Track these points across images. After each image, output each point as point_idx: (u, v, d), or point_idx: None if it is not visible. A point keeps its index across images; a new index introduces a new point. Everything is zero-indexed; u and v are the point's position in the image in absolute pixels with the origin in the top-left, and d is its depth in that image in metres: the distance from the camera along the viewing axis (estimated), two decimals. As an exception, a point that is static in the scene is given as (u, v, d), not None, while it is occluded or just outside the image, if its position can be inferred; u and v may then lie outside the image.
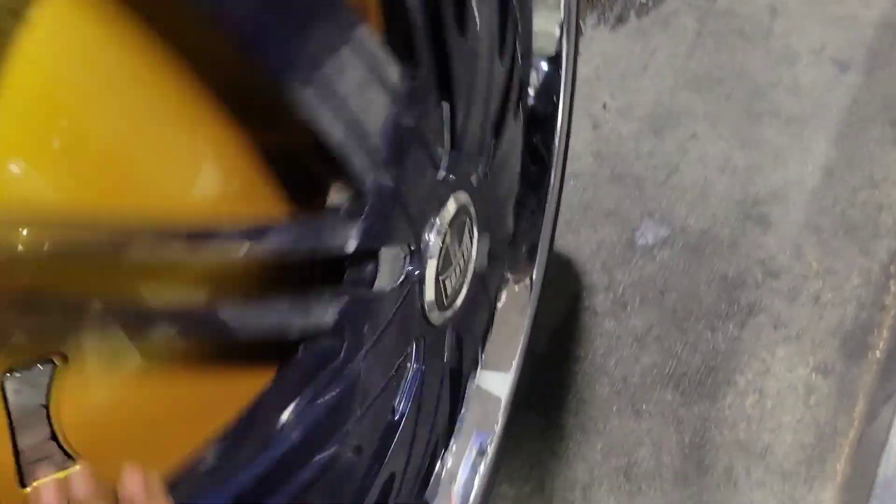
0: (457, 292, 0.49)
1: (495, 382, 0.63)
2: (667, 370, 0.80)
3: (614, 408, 0.79)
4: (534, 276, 0.67)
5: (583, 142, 0.97)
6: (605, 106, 1.01)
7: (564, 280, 0.87)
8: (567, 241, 0.90)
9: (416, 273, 0.43)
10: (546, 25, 0.64)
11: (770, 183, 0.91)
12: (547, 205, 0.67)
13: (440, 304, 0.46)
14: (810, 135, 0.94)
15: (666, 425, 0.78)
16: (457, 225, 0.46)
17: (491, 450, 0.65)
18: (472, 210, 0.48)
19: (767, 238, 0.87)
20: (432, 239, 0.43)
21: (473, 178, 0.49)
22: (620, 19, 1.08)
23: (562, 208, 0.75)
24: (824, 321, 0.80)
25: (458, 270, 0.47)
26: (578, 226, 0.91)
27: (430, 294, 0.45)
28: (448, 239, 0.45)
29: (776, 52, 1.01)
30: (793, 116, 0.96)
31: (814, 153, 0.92)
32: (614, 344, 0.82)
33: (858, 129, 0.93)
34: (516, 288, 0.66)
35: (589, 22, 1.07)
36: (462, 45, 0.44)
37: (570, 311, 0.85)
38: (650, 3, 1.08)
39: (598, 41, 1.06)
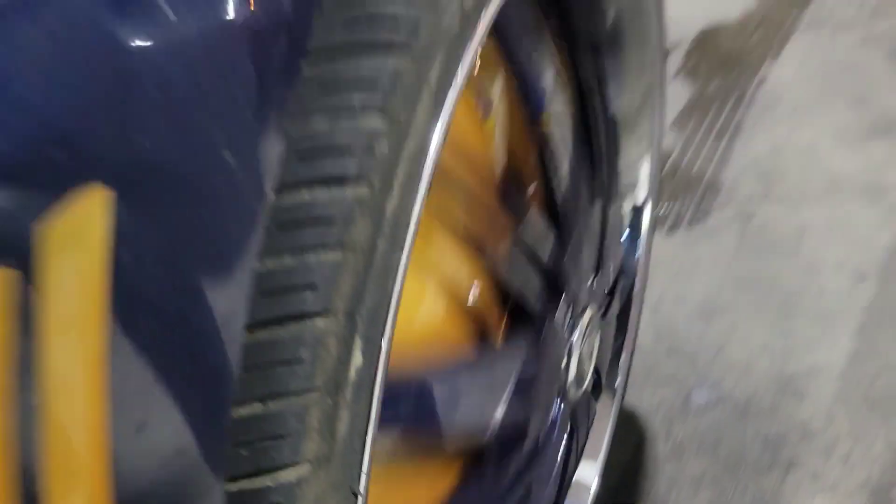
0: (582, 380, 0.67)
1: (586, 470, 0.79)
2: (720, 511, 0.94)
3: (674, 539, 0.92)
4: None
5: (644, 322, 1.17)
6: (661, 296, 1.22)
7: (630, 428, 1.03)
8: (631, 399, 1.07)
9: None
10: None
11: (804, 363, 1.09)
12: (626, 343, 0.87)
13: (578, 383, 0.64)
14: (836, 329, 1.13)
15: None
16: (588, 331, 0.65)
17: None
18: (595, 322, 0.67)
19: (803, 407, 1.03)
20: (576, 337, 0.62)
21: (595, 307, 0.68)
22: (673, 227, 1.32)
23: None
24: (854, 477, 0.94)
25: (585, 363, 0.66)
26: (641, 387, 1.08)
27: (572, 374, 0.62)
28: (583, 339, 0.63)
29: (804, 264, 1.23)
30: (820, 314, 1.15)
31: (840, 343, 1.11)
32: (674, 483, 0.96)
33: (876, 326, 1.12)
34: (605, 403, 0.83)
35: (648, 229, 1.32)
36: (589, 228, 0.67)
37: (636, 453, 1.00)
38: (698, 217, 1.33)
39: (655, 244, 1.29)
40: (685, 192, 1.40)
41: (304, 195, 0.32)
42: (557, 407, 0.69)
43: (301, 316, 0.32)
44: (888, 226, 1.26)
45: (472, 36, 0.39)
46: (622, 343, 0.88)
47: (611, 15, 0.68)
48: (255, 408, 0.32)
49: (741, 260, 1.26)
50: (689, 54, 1.72)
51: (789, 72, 1.62)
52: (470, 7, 0.39)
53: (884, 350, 1.09)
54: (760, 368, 1.09)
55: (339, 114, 0.33)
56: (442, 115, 0.37)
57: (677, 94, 1.61)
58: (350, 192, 0.33)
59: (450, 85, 0.38)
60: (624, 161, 0.84)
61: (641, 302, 0.94)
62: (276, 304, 0.32)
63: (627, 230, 0.88)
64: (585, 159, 0.76)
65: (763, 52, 1.68)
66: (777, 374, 1.08)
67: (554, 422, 0.70)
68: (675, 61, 1.70)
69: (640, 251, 0.88)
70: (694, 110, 1.57)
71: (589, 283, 0.71)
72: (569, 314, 0.61)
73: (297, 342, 0.32)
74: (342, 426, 0.33)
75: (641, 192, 0.86)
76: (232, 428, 0.31)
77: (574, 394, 0.67)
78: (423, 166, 0.36)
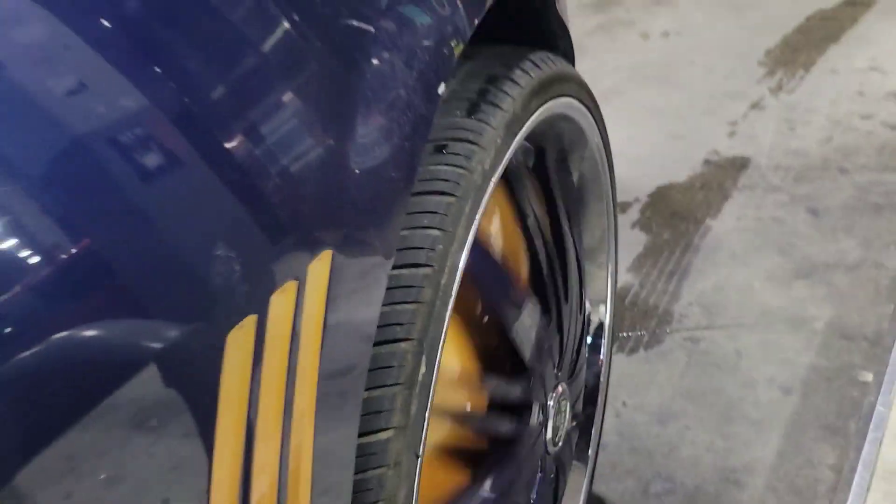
0: (558, 439, 0.89)
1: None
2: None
3: None
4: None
5: (609, 426, 1.38)
6: (624, 404, 1.44)
7: (599, 510, 1.22)
8: (598, 488, 1.27)
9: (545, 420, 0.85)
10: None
11: (742, 459, 1.30)
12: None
13: (554, 441, 0.86)
14: (768, 432, 1.35)
15: None
16: (561, 399, 0.87)
17: None
18: (567, 395, 0.90)
19: (742, 494, 1.24)
20: (552, 402, 0.85)
21: (567, 380, 0.92)
22: (633, 350, 1.57)
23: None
24: (783, 547, 1.14)
25: (560, 425, 0.88)
26: (608, 479, 1.29)
27: (549, 434, 0.85)
28: (558, 403, 0.86)
29: (741, 379, 1.47)
30: (755, 420, 1.38)
31: (770, 443, 1.33)
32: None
33: (800, 430, 1.35)
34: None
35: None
36: (567, 313, 0.91)
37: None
38: (654, 341, 1.58)
39: (619, 363, 1.53)
40: (643, 321, 1.65)
41: (398, 272, 0.57)
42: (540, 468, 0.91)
43: (394, 341, 0.56)
44: (809, 349, 1.52)
45: (489, 186, 0.66)
46: (589, 436, 1.10)
47: (576, 177, 0.96)
48: (370, 393, 0.54)
49: (690, 376, 1.50)
50: (644, 208, 2.03)
51: (728, 224, 1.94)
52: (488, 168, 0.65)
53: (806, 449, 1.31)
54: (706, 463, 1.31)
55: (415, 226, 0.59)
56: (472, 230, 0.63)
57: (634, 241, 1.91)
58: (421, 272, 0.58)
59: (476, 213, 0.63)
60: (590, 284, 1.10)
61: (605, 401, 1.16)
62: (381, 333, 0.55)
63: (593, 337, 1.12)
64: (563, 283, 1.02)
65: (706, 208, 2.01)
66: (720, 468, 1.29)
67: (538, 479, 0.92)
68: (632, 215, 2.02)
69: (604, 354, 1.12)
70: (648, 255, 1.86)
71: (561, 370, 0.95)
72: (547, 386, 0.84)
73: (391, 356, 0.55)
74: (413, 408, 0.56)
75: (604, 308, 1.12)
76: (362, 405, 0.54)
77: (552, 452, 0.88)
78: (460, 258, 0.61)
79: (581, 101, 0.88)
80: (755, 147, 2.27)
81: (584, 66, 2.78)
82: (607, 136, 1.02)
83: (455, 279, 0.61)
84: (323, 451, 0.51)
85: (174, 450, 0.41)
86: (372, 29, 0.54)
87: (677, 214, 2.00)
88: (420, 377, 0.57)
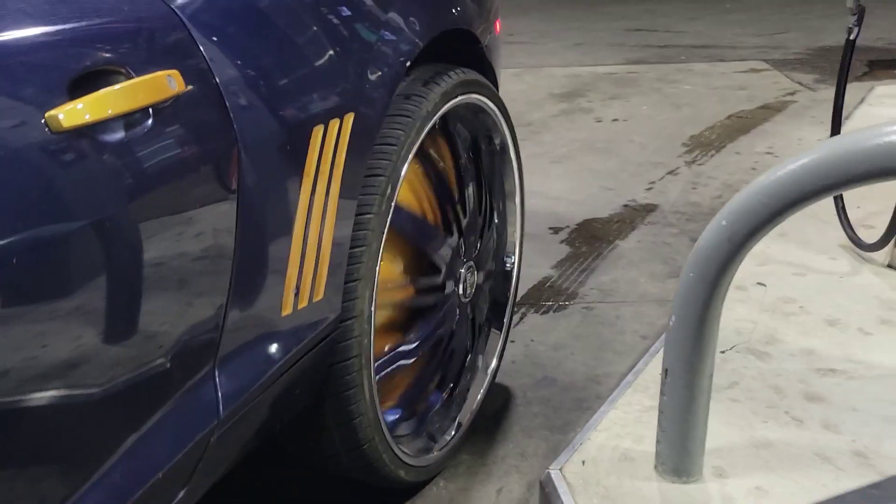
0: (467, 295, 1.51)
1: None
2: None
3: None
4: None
5: (517, 350, 1.98)
6: (532, 340, 2.05)
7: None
8: (503, 380, 1.86)
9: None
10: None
11: (605, 371, 1.90)
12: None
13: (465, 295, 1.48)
14: (626, 358, 1.95)
15: None
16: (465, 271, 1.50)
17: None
18: (472, 270, 1.53)
19: (600, 388, 1.83)
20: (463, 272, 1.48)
21: (471, 265, 1.54)
22: (545, 313, 2.18)
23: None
24: None
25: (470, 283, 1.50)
26: (512, 376, 1.88)
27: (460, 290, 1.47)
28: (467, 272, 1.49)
29: (616, 330, 2.08)
30: (620, 352, 1.98)
31: (626, 363, 1.93)
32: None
33: (644, 355, 1.95)
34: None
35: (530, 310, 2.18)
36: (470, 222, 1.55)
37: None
38: (560, 309, 2.20)
39: (530, 319, 2.14)
40: (555, 297, 2.27)
41: (374, 158, 1.21)
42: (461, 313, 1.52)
43: (370, 193, 1.19)
44: (667, 316, 2.13)
45: (420, 136, 1.30)
46: (503, 315, 1.72)
47: (497, 141, 1.62)
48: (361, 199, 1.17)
49: (581, 328, 2.10)
50: (572, 232, 2.69)
51: (631, 244, 2.59)
52: (418, 129, 1.29)
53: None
54: (580, 371, 1.90)
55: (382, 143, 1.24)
56: (410, 155, 1.27)
57: (560, 251, 2.55)
58: (385, 161, 1.22)
59: (412, 149, 1.28)
60: (508, 212, 1.73)
61: (515, 292, 1.78)
62: (365, 182, 1.19)
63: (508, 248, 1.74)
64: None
65: (617, 234, 2.66)
66: (589, 375, 1.89)
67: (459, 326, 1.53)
68: (562, 235, 2.67)
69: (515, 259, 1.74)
70: (568, 259, 2.50)
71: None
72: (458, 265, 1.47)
73: (372, 190, 1.19)
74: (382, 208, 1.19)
75: (513, 229, 1.74)
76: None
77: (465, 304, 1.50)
78: (402, 168, 1.25)
79: (490, 100, 1.54)
80: (664, 199, 2.95)
81: (546, 139, 3.56)
82: (512, 124, 1.66)
83: (398, 179, 1.24)
84: (340, 242, 1.13)
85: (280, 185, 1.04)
86: (374, 38, 1.20)
87: (595, 237, 2.66)
88: (385, 206, 1.20)
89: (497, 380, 1.80)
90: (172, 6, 0.88)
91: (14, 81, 0.71)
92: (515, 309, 2.14)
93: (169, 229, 0.86)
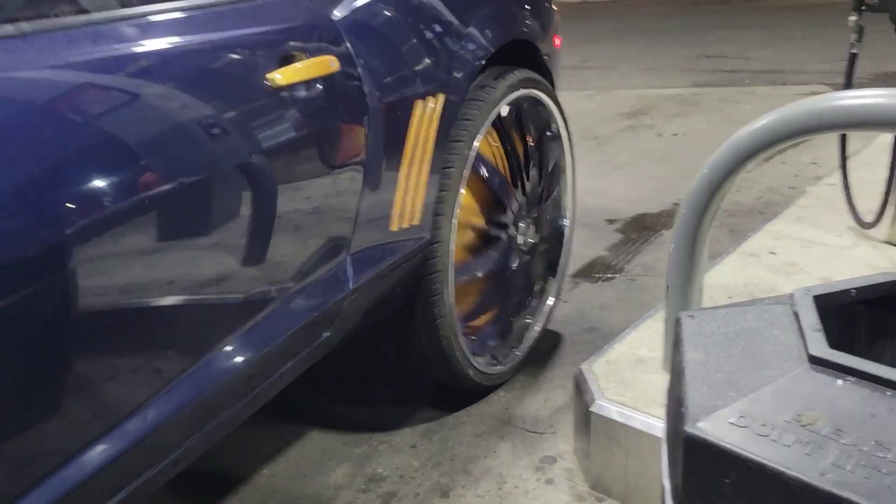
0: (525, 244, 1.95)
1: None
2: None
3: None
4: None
5: (569, 309, 2.41)
6: (582, 301, 2.46)
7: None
8: (556, 327, 2.28)
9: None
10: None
11: (639, 321, 2.30)
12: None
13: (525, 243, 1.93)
14: (660, 311, 2.35)
15: None
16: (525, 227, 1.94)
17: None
18: (530, 224, 1.97)
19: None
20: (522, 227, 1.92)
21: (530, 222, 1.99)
22: (595, 282, 2.60)
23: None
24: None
25: (528, 235, 1.94)
26: (563, 325, 2.30)
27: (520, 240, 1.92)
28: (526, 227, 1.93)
29: (654, 297, 2.48)
30: (656, 308, 2.39)
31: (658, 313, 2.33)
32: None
33: (678, 315, 2.35)
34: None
35: (579, 279, 2.59)
36: (532, 186, 2.00)
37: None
38: (608, 279, 2.61)
39: (584, 287, 2.56)
40: (606, 271, 2.69)
41: (454, 130, 1.67)
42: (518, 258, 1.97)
43: (451, 153, 1.66)
44: (699, 286, 2.52)
45: (489, 117, 1.76)
46: (557, 265, 2.15)
47: (553, 128, 2.07)
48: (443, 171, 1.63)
49: (624, 294, 2.51)
50: (625, 223, 3.10)
51: (676, 234, 2.98)
52: (496, 100, 1.75)
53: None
54: (620, 323, 2.31)
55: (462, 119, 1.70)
56: (482, 132, 1.73)
57: (614, 238, 2.97)
58: (464, 131, 1.68)
59: (484, 126, 1.74)
60: (561, 185, 2.17)
61: (569, 248, 2.21)
62: (448, 149, 1.65)
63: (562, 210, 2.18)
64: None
65: (663, 226, 3.06)
66: (627, 322, 2.30)
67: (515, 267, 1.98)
68: (617, 225, 3.08)
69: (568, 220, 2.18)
70: (620, 244, 2.92)
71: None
72: (520, 218, 1.91)
73: (450, 159, 1.64)
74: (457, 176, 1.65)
75: (568, 198, 2.18)
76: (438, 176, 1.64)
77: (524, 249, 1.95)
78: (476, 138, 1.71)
79: (547, 95, 1.99)
80: (711, 199, 3.32)
81: (610, 149, 4.02)
82: (565, 116, 2.11)
83: (473, 147, 1.71)
84: (431, 185, 1.59)
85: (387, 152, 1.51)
86: (456, 48, 1.68)
87: (644, 227, 3.06)
88: (462, 164, 1.66)
89: (551, 327, 2.23)
90: (332, 17, 1.38)
91: (250, 56, 1.21)
92: (571, 279, 2.58)
93: (326, 161, 1.34)
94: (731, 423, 0.80)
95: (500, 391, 2.01)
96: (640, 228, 3.05)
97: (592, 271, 2.70)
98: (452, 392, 1.95)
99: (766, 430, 0.79)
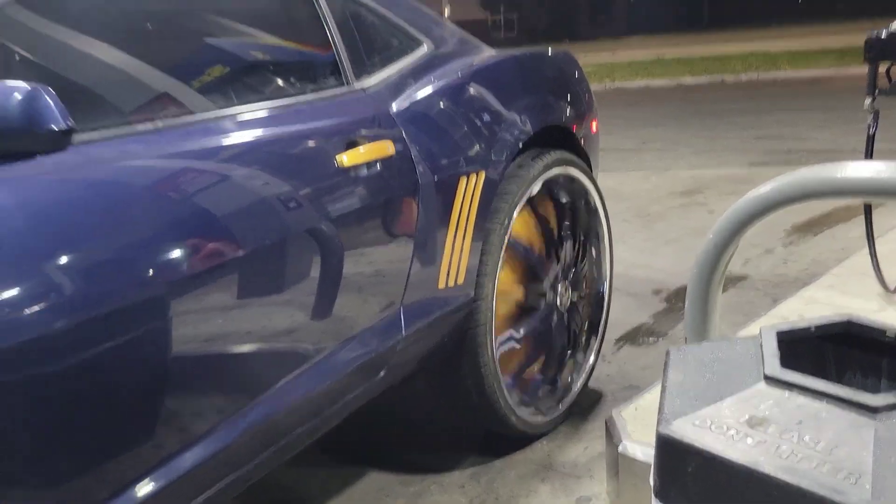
0: (563, 306, 2.17)
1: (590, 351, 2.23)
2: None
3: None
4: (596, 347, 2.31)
5: (607, 370, 2.58)
6: (625, 363, 2.64)
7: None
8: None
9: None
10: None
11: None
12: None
13: (562, 304, 2.15)
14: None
15: None
16: (563, 289, 2.16)
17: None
18: (568, 288, 2.19)
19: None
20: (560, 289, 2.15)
21: (570, 284, 2.21)
22: (641, 345, 2.77)
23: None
24: None
25: (565, 296, 2.16)
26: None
27: (558, 301, 2.14)
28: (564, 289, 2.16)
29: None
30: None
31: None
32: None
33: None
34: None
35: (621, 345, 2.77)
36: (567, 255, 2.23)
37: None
38: (657, 341, 2.78)
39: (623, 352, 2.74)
40: (649, 337, 2.86)
41: (494, 204, 1.94)
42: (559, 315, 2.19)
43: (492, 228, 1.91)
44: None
45: (530, 189, 2.02)
46: (598, 325, 2.36)
47: (590, 203, 2.31)
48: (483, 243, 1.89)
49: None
50: (670, 293, 3.28)
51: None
52: (527, 186, 2.01)
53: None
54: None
55: (502, 193, 1.97)
56: (520, 206, 1.98)
57: (658, 306, 3.14)
58: (504, 205, 1.94)
59: (522, 200, 2.00)
60: (598, 257, 2.39)
61: (608, 312, 2.41)
62: (489, 220, 1.92)
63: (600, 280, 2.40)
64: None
65: (708, 295, 3.21)
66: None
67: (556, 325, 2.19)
68: (662, 296, 3.26)
69: (606, 289, 2.39)
70: (664, 312, 3.09)
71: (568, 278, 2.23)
72: (557, 284, 2.12)
73: (492, 228, 1.90)
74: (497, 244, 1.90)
75: (605, 267, 2.40)
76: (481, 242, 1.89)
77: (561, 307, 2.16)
78: (514, 214, 1.97)
79: (582, 174, 2.24)
80: (756, 270, 3.48)
81: (659, 226, 4.24)
82: (600, 189, 2.35)
83: (512, 217, 1.97)
84: (474, 250, 1.85)
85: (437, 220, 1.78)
86: (498, 129, 1.96)
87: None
88: (502, 232, 1.92)
89: (593, 385, 2.42)
90: (389, 110, 1.68)
91: (323, 143, 1.51)
92: (615, 343, 2.76)
93: (383, 229, 1.62)
94: (695, 425, 1.00)
95: (542, 440, 2.20)
96: (685, 298, 3.22)
97: (636, 336, 2.88)
98: (500, 439, 2.15)
99: (722, 430, 0.99)
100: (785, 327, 1.19)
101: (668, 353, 1.22)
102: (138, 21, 1.41)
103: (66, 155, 1.03)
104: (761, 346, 1.14)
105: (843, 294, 2.51)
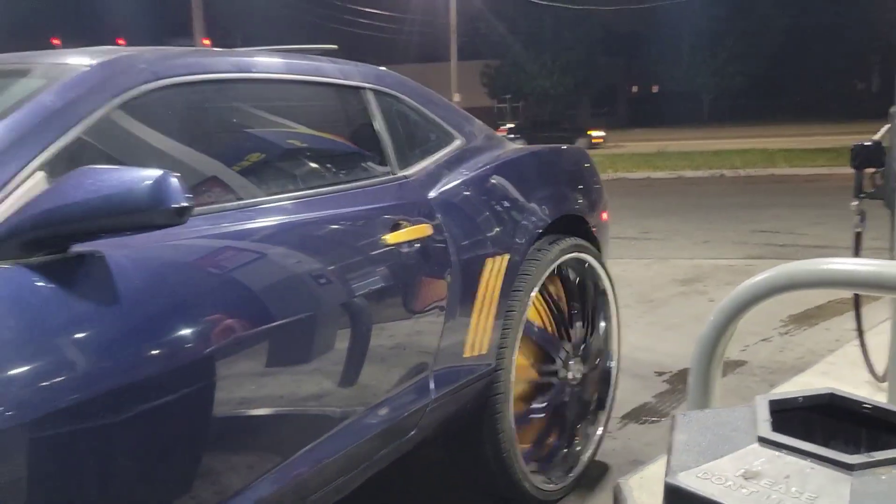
0: (574, 380, 2.34)
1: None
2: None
3: None
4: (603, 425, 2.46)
5: (613, 445, 2.73)
6: (630, 439, 2.78)
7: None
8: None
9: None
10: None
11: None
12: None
13: (573, 379, 2.32)
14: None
15: None
16: (574, 365, 2.34)
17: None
18: (578, 364, 2.36)
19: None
20: (572, 364, 2.32)
21: (581, 359, 2.38)
22: (645, 423, 2.92)
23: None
24: None
25: (575, 374, 2.33)
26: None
27: (570, 376, 2.31)
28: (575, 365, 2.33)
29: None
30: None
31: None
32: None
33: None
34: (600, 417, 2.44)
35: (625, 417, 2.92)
36: (575, 338, 2.42)
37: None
38: (660, 419, 2.93)
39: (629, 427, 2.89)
40: (652, 416, 3.00)
41: (515, 286, 2.14)
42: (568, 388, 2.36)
43: (510, 310, 2.11)
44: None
45: (544, 274, 2.23)
46: (605, 399, 2.52)
47: (600, 284, 2.51)
48: (504, 317, 2.08)
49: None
50: (672, 375, 3.44)
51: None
52: (544, 269, 2.21)
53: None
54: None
55: (522, 274, 2.17)
56: (537, 288, 2.19)
57: (661, 387, 3.30)
58: (523, 285, 2.15)
59: (539, 283, 2.20)
60: (606, 334, 2.58)
61: (615, 385, 2.57)
62: (510, 297, 2.11)
63: (607, 355, 2.57)
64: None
65: (709, 378, 3.37)
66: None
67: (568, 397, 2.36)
68: (665, 377, 3.42)
69: (614, 363, 2.56)
70: (667, 393, 3.24)
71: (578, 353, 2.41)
72: (568, 359, 2.30)
73: (511, 304, 2.10)
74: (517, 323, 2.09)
75: (612, 343, 2.58)
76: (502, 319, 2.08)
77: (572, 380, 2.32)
78: (531, 294, 2.17)
79: (593, 258, 2.45)
80: (754, 357, 3.65)
81: (662, 311, 4.45)
82: (609, 272, 2.55)
83: (530, 296, 2.17)
84: (497, 324, 2.04)
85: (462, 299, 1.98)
86: (520, 218, 2.18)
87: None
88: (522, 308, 2.11)
89: (600, 458, 2.56)
90: (428, 196, 1.91)
91: (373, 223, 1.73)
92: (620, 420, 2.92)
93: (419, 301, 1.81)
94: (698, 477, 1.18)
95: (552, 508, 2.34)
96: (686, 380, 3.38)
97: (640, 414, 3.03)
98: (511, 505, 2.29)
99: (721, 481, 1.16)
100: (776, 397, 1.37)
101: (673, 418, 1.40)
102: (225, 115, 1.65)
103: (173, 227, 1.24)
104: (756, 412, 1.33)
105: (835, 380, 2.68)
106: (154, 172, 1.13)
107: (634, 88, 46.54)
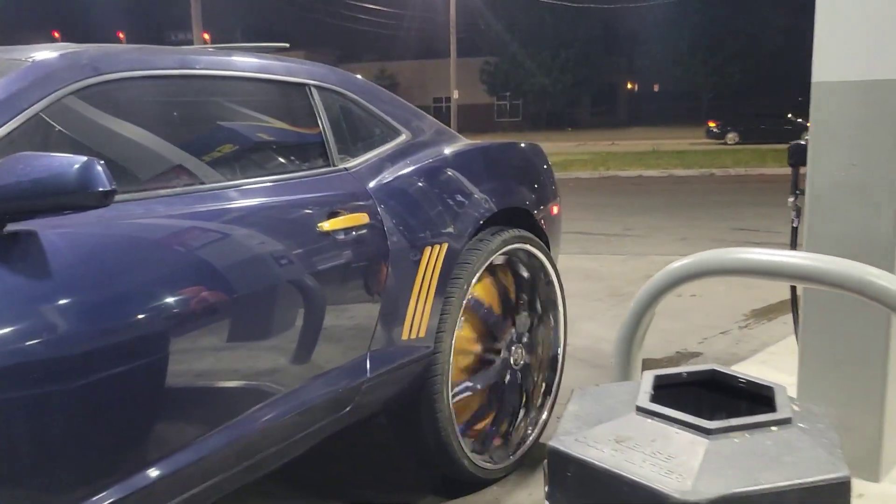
0: (516, 363, 2.45)
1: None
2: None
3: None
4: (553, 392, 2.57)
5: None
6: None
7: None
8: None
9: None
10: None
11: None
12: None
13: (515, 361, 2.44)
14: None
15: None
16: (516, 349, 2.45)
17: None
18: (521, 349, 2.48)
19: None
20: (514, 350, 2.43)
21: (524, 344, 2.50)
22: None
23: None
24: None
25: (519, 357, 2.45)
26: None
27: (512, 360, 2.42)
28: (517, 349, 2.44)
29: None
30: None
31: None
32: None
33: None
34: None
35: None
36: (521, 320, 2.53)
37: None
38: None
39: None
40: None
41: (456, 271, 2.25)
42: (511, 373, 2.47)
43: (451, 294, 2.22)
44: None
45: (486, 262, 2.34)
46: (552, 384, 2.63)
47: (547, 276, 2.62)
48: (445, 300, 2.19)
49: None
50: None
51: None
52: (484, 259, 2.32)
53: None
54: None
55: (462, 262, 2.29)
56: (479, 273, 2.30)
57: (616, 376, 3.41)
58: (465, 270, 2.26)
59: (481, 269, 2.31)
60: (553, 321, 2.69)
61: (562, 370, 2.68)
62: (449, 283, 2.22)
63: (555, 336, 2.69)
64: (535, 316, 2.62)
65: (663, 366, 3.49)
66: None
67: (509, 381, 2.48)
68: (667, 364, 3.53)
69: (560, 348, 2.68)
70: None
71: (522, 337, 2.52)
72: (511, 343, 2.41)
73: (452, 289, 2.21)
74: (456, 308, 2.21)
75: (559, 333, 2.69)
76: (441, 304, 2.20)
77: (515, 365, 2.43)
78: (472, 280, 2.29)
79: (539, 251, 2.56)
80: (710, 349, 3.77)
81: (629, 305, 4.44)
82: (555, 265, 2.66)
83: (471, 282, 2.28)
84: (435, 309, 2.16)
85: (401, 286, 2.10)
86: (467, 202, 2.30)
87: (647, 368, 3.50)
88: (460, 296, 2.23)
89: (544, 440, 2.67)
90: (366, 187, 2.02)
91: (309, 211, 1.84)
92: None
93: (356, 286, 1.93)
94: (577, 440, 1.30)
95: (493, 486, 2.45)
96: (644, 368, 3.49)
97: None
98: (453, 484, 2.40)
99: (595, 444, 1.28)
100: (661, 372, 1.49)
101: (573, 392, 1.52)
102: (167, 108, 1.76)
103: (107, 210, 1.36)
104: (640, 386, 1.45)
105: (773, 369, 2.80)
106: (81, 158, 1.25)
107: (634, 87, 46.62)
